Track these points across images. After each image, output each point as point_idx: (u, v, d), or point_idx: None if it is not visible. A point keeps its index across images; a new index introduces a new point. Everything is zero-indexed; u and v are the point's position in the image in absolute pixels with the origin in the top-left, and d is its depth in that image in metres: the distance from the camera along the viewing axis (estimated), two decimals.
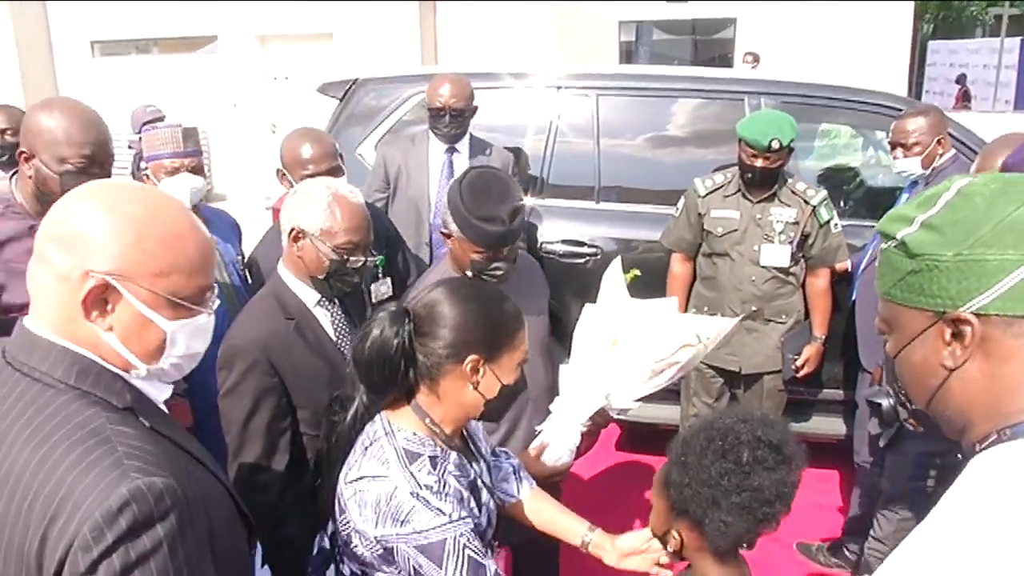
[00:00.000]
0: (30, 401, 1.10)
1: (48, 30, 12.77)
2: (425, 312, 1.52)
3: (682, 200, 3.43)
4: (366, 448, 1.50)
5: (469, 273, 2.21)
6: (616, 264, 2.41)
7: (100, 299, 1.12)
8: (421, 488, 1.44)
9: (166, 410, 1.30)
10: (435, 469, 1.50)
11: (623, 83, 4.05)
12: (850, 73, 5.94)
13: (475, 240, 2.14)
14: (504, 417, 2.07)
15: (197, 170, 2.72)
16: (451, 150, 3.55)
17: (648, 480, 4.07)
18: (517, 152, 3.85)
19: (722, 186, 3.32)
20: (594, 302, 2.40)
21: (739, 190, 3.28)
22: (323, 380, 1.99)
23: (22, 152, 2.19)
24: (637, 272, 2.95)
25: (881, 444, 2.83)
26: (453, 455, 1.58)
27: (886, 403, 2.06)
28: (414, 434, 1.52)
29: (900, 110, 3.71)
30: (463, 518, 1.47)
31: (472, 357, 1.50)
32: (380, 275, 2.67)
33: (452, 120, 3.46)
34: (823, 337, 3.38)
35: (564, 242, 3.75)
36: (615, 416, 2.25)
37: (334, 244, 2.02)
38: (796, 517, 3.67)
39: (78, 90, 12.36)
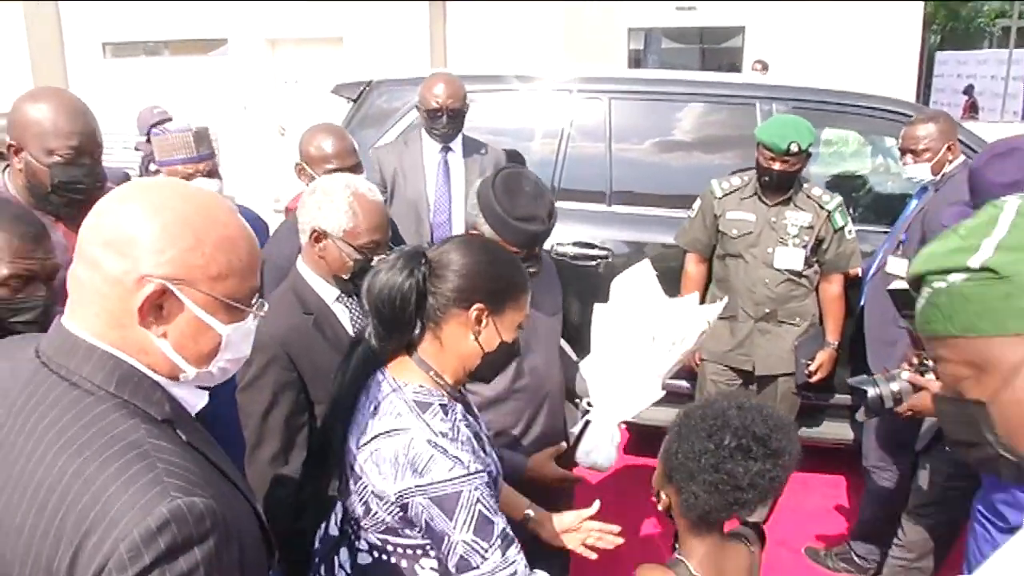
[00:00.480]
0: (67, 407, 1.05)
1: (60, 31, 12.85)
2: (438, 257, 1.57)
3: (698, 201, 3.46)
4: (375, 408, 1.52)
5: None
6: (646, 264, 2.46)
7: (155, 304, 1.08)
8: (437, 436, 1.47)
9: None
10: (447, 416, 1.53)
11: (635, 87, 4.08)
12: (858, 82, 5.96)
13: (513, 240, 2.09)
14: (516, 409, 2.10)
15: (212, 173, 2.72)
16: (445, 149, 3.57)
17: (636, 478, 4.07)
18: (514, 154, 3.85)
19: (739, 188, 3.35)
20: (605, 303, 2.46)
21: (755, 193, 3.30)
22: None
23: (11, 145, 2.17)
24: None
25: (860, 418, 2.80)
26: (459, 405, 1.61)
27: (871, 391, 2.07)
28: (420, 386, 1.55)
29: (909, 116, 3.72)
30: (479, 471, 1.48)
31: (478, 305, 1.54)
32: None
33: (449, 120, 3.47)
34: (837, 342, 3.40)
35: (576, 244, 3.77)
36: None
37: (358, 244, 2.01)
38: (804, 522, 3.74)
39: (89, 91, 12.44)
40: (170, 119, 6.09)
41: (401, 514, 1.48)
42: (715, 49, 13.18)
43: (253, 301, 1.19)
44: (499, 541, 1.48)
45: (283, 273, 2.21)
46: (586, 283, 3.62)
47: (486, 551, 1.47)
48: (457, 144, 3.59)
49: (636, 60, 12.74)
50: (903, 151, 3.24)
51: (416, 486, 1.44)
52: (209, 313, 1.12)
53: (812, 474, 4.07)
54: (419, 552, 1.55)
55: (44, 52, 12.59)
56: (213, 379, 1.20)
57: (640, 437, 4.22)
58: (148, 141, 5.99)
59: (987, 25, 25.78)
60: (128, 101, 9.54)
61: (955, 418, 0.96)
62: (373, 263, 2.06)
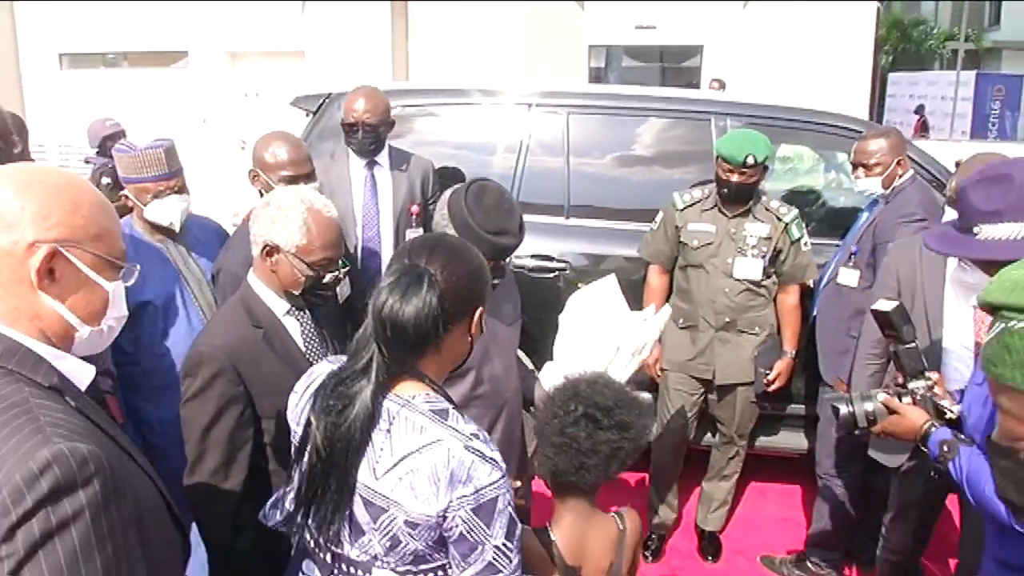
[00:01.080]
0: None
1: (16, 41, 12.63)
2: (438, 271, 1.50)
3: (660, 214, 3.51)
4: (388, 431, 1.42)
5: None
6: (612, 279, 2.54)
7: (48, 269, 1.14)
8: (470, 439, 1.41)
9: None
10: (464, 418, 1.48)
11: (593, 102, 4.13)
12: (813, 101, 6.09)
13: (485, 252, 2.05)
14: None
15: (182, 189, 2.67)
16: (371, 164, 3.51)
17: (622, 487, 4.11)
18: (452, 171, 3.86)
19: (700, 200, 3.41)
20: (564, 314, 2.53)
21: (716, 205, 3.37)
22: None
23: None
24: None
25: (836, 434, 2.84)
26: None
27: (844, 409, 2.11)
28: (427, 395, 1.47)
29: (861, 132, 3.82)
30: (505, 469, 1.43)
31: (480, 309, 1.54)
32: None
33: (365, 135, 3.39)
34: (794, 352, 3.46)
35: (534, 257, 3.80)
36: None
37: (310, 261, 2.01)
38: (760, 531, 3.80)
39: (45, 103, 12.24)
40: (123, 131, 5.97)
41: (436, 536, 1.41)
42: (675, 68, 13.38)
43: (124, 262, 1.27)
44: (518, 542, 1.46)
45: (239, 280, 2.19)
46: (544, 295, 3.65)
47: (512, 553, 1.44)
48: (384, 158, 3.53)
49: (597, 77, 12.87)
50: (855, 165, 3.33)
51: (459, 498, 1.37)
52: (96, 271, 1.20)
53: (768, 484, 4.13)
54: (440, 574, 1.48)
55: None
56: (103, 338, 1.27)
57: None
58: (99, 153, 5.88)
59: (937, 47, 26.48)
60: (85, 113, 9.40)
61: (1014, 477, 0.88)
62: (325, 280, 2.07)
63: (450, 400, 1.52)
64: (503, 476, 1.41)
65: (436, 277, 1.44)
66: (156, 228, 2.68)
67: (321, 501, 1.44)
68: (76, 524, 1.00)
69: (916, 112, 19.17)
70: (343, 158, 3.53)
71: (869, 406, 2.07)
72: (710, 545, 3.69)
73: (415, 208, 3.53)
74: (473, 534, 1.39)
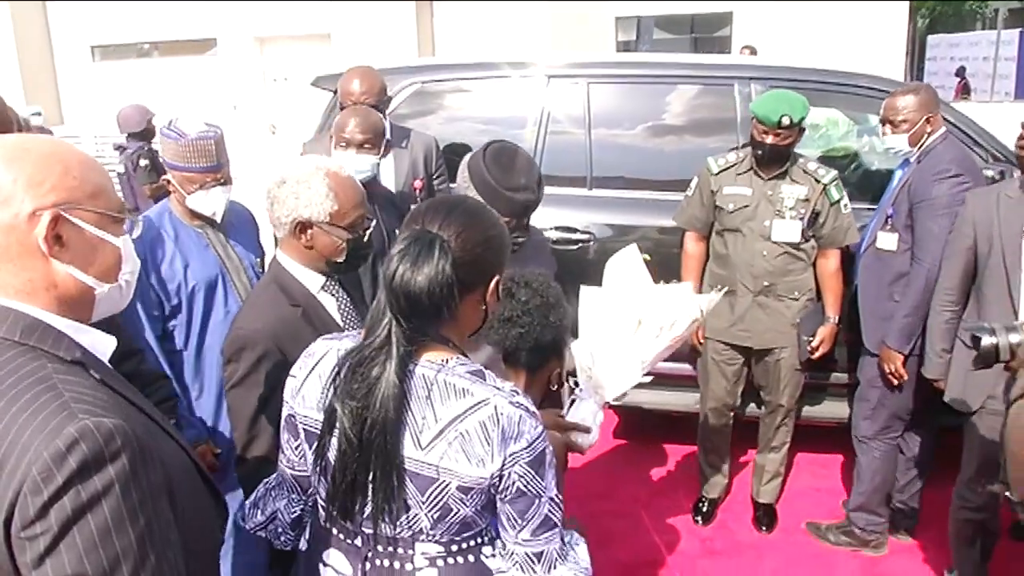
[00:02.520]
0: None
1: (49, 34, 12.83)
2: (451, 235, 1.43)
3: (695, 179, 3.45)
4: (428, 399, 1.37)
5: None
6: (633, 249, 2.48)
7: (55, 234, 1.13)
8: (512, 394, 1.38)
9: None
10: (497, 377, 1.43)
11: (613, 71, 4.07)
12: (846, 67, 5.93)
13: (504, 210, 2.16)
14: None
15: (227, 180, 2.63)
16: None
17: (644, 465, 4.12)
18: (461, 147, 3.81)
19: (734, 164, 3.35)
20: (588, 285, 2.48)
21: (751, 168, 3.30)
22: None
23: None
24: (647, 256, 2.97)
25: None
26: None
27: (987, 340, 1.97)
28: (458, 359, 1.42)
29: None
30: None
31: (497, 277, 1.47)
32: None
33: None
34: (836, 317, 3.38)
35: (557, 228, 3.77)
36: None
37: (346, 224, 1.97)
38: (795, 500, 3.73)
39: (79, 94, 12.43)
40: (153, 117, 6.11)
41: (485, 500, 1.38)
42: (706, 38, 13.16)
43: (130, 216, 1.26)
44: (561, 495, 1.45)
45: None
46: (568, 267, 3.61)
47: (561, 505, 1.43)
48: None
49: (626, 50, 12.71)
50: (883, 121, 3.23)
51: (512, 454, 1.35)
52: (101, 228, 1.19)
53: (803, 453, 4.08)
54: (481, 541, 1.46)
55: (33, 55, 12.57)
56: (121, 294, 1.27)
57: (629, 422, 4.23)
58: (131, 138, 6.02)
59: (978, 7, 25.74)
60: (119, 104, 9.52)
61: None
62: (366, 238, 2.05)
63: None
64: (544, 428, 1.40)
65: (449, 243, 1.38)
66: (196, 215, 2.65)
67: (366, 489, 1.37)
68: (107, 498, 1.01)
69: (957, 74, 18.63)
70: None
71: (1015, 337, 1.93)
72: (765, 516, 3.65)
73: (418, 183, 3.52)
74: (530, 487, 1.37)
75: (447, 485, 1.36)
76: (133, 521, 1.03)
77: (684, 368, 3.78)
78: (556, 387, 2.09)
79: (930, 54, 21.76)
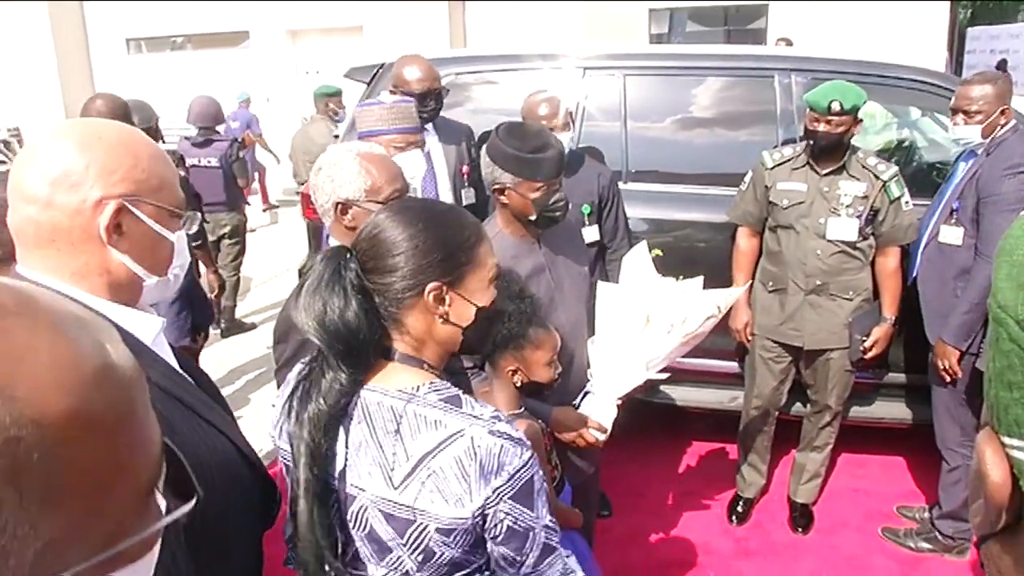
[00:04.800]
0: None
1: (85, 28, 13.00)
2: (368, 244, 1.30)
3: (749, 174, 3.38)
4: (396, 432, 1.25)
5: (532, 217, 2.27)
6: (642, 246, 2.45)
7: (116, 223, 1.16)
8: (491, 421, 1.26)
9: (171, 354, 1.32)
10: (476, 400, 1.33)
11: (650, 63, 4.00)
12: (887, 59, 5.83)
13: (534, 174, 2.19)
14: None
15: (421, 147, 2.78)
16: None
17: (677, 463, 4.07)
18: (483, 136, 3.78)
19: (790, 159, 3.27)
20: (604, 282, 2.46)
21: (807, 163, 3.22)
22: None
23: None
24: (659, 252, 2.92)
25: None
26: None
27: None
28: (430, 384, 1.30)
29: (936, 85, 3.62)
30: (531, 449, 1.30)
31: (431, 286, 1.28)
32: None
33: (436, 101, 3.39)
34: (893, 317, 3.27)
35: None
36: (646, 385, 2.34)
37: (383, 198, 1.98)
38: (833, 501, 3.67)
39: (115, 88, 12.56)
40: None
41: (472, 539, 1.27)
42: (740, 31, 13.00)
43: (184, 211, 1.28)
44: (552, 512, 1.35)
45: None
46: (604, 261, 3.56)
47: (555, 524, 1.33)
48: (429, 125, 3.49)
49: (659, 43, 12.59)
50: (954, 110, 3.12)
51: (496, 491, 1.22)
52: (159, 223, 1.22)
53: (837, 453, 4.00)
54: None
55: (69, 49, 12.74)
56: (169, 286, 1.31)
57: (661, 418, 4.17)
58: (211, 132, 6.08)
59: None
60: (154, 97, 9.62)
61: None
62: None
63: (456, 384, 1.36)
64: (532, 454, 1.28)
65: (360, 252, 1.30)
66: None
67: (309, 521, 1.27)
68: None
69: (998, 67, 18.23)
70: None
71: None
72: (801, 517, 3.58)
73: (466, 169, 3.53)
74: (520, 523, 1.26)
75: (425, 528, 1.24)
76: None
77: (718, 365, 3.72)
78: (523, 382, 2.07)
79: (970, 46, 21.30)
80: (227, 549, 1.27)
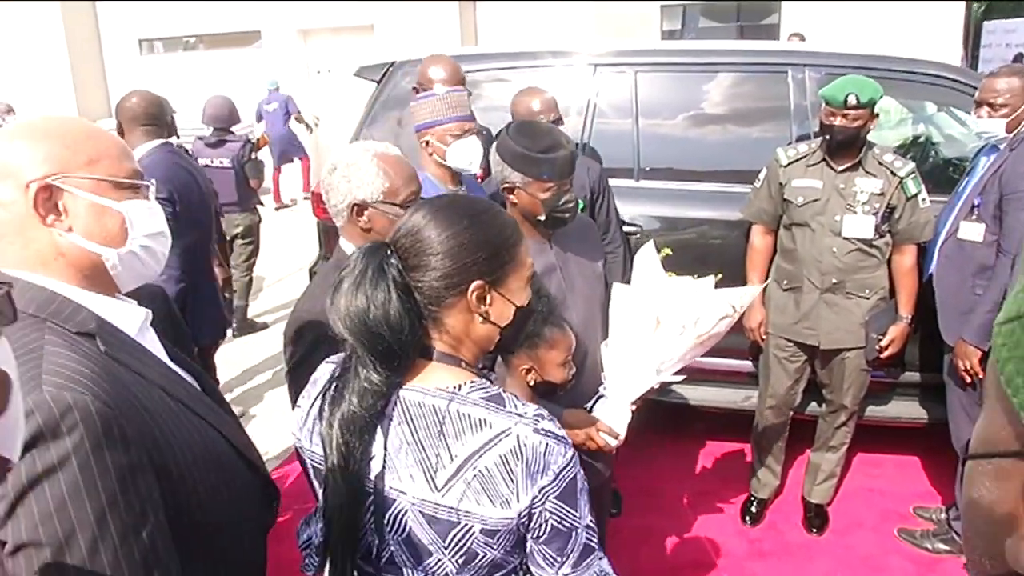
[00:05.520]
0: None
1: (98, 29, 13.06)
2: (410, 241, 1.27)
3: (764, 171, 3.34)
4: (440, 433, 1.23)
5: (542, 217, 2.24)
6: (650, 246, 2.41)
7: (50, 204, 1.17)
8: (535, 420, 1.24)
9: (163, 349, 1.30)
10: (518, 399, 1.29)
11: (661, 59, 3.97)
12: (902, 53, 5.77)
13: (542, 174, 2.17)
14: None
15: (478, 134, 2.80)
16: None
17: (690, 463, 4.04)
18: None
19: (805, 156, 3.22)
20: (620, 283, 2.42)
21: (822, 159, 3.17)
22: None
23: None
24: (669, 251, 2.88)
25: None
26: None
27: None
28: (472, 383, 1.28)
29: (953, 79, 3.58)
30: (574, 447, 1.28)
31: (476, 284, 1.27)
32: None
33: None
34: (909, 316, 3.23)
35: None
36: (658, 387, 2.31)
37: (400, 201, 1.97)
38: (847, 501, 3.64)
39: (128, 88, 12.62)
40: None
41: (515, 539, 1.25)
42: (753, 27, 12.92)
43: (141, 183, 1.28)
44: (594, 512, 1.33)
45: None
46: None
47: (595, 526, 1.30)
48: None
49: (670, 39, 12.53)
50: (979, 103, 3.07)
51: (542, 490, 1.21)
52: (99, 195, 1.21)
53: (861, 453, 3.96)
54: None
55: (82, 50, 12.80)
56: (141, 262, 1.28)
57: (675, 417, 4.14)
58: (221, 129, 6.10)
59: None
60: (166, 96, 9.64)
61: None
62: None
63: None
64: (575, 452, 1.27)
65: (402, 249, 1.27)
66: (447, 176, 2.77)
67: (347, 526, 1.26)
68: (63, 470, 1.01)
69: (1015, 61, 18.09)
70: (411, 126, 3.47)
71: None
72: (816, 517, 3.54)
73: (479, 172, 3.47)
74: (565, 522, 1.24)
75: (470, 529, 1.22)
76: (92, 495, 1.02)
77: (731, 364, 3.69)
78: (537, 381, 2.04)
79: (985, 40, 21.04)
80: (223, 547, 1.26)
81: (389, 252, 1.27)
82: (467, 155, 2.70)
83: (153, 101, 3.67)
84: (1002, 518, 0.55)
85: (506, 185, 2.24)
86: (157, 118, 3.63)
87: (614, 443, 2.22)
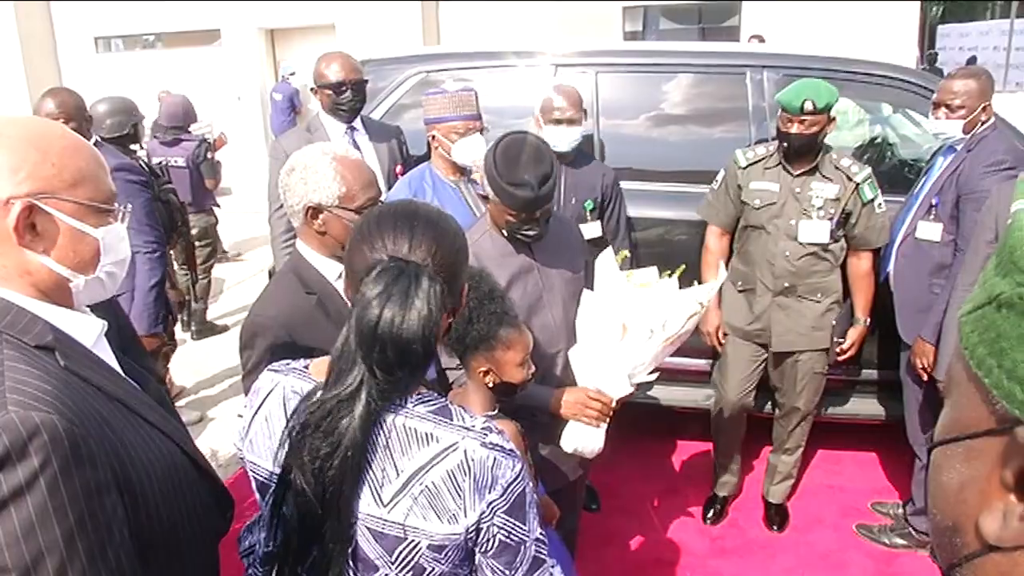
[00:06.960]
0: None
1: (52, 26, 12.78)
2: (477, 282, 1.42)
3: (722, 172, 3.35)
4: (386, 447, 1.20)
5: (504, 233, 2.29)
6: (608, 252, 2.42)
7: (29, 224, 1.10)
8: (484, 434, 1.22)
9: (115, 358, 1.27)
10: (465, 411, 1.28)
11: (622, 59, 3.98)
12: (858, 55, 5.86)
13: (508, 204, 2.19)
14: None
15: (483, 132, 2.95)
16: (351, 130, 3.45)
17: (653, 462, 4.05)
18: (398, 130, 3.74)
19: (763, 158, 3.23)
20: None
21: (780, 163, 3.18)
22: None
23: None
24: (627, 253, 2.87)
25: None
26: None
27: None
28: (418, 395, 1.25)
29: (907, 81, 3.63)
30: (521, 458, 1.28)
31: (466, 285, 1.37)
32: None
33: (355, 93, 3.38)
34: (867, 319, 3.27)
35: None
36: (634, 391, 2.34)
37: (356, 207, 1.94)
38: (808, 498, 3.68)
39: (83, 86, 12.36)
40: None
41: (463, 554, 1.23)
42: (714, 28, 13.03)
43: (115, 204, 1.22)
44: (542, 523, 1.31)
45: None
46: None
47: (545, 537, 1.29)
48: (358, 123, 3.50)
49: (632, 40, 12.59)
50: (936, 104, 3.10)
51: (490, 505, 1.20)
52: (78, 220, 1.15)
53: (811, 450, 4.00)
54: None
55: (36, 47, 12.52)
56: (103, 287, 1.23)
57: (644, 418, 4.15)
58: (181, 132, 6.01)
59: None
60: (122, 95, 9.46)
61: None
62: None
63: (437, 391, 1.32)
64: (523, 465, 1.25)
65: (430, 271, 1.21)
66: (453, 169, 2.96)
67: (315, 554, 1.22)
68: (31, 493, 0.98)
69: (968, 64, 18.48)
70: (320, 130, 3.44)
71: None
72: (777, 515, 3.58)
73: (399, 169, 3.51)
74: (513, 536, 1.23)
75: (416, 545, 1.20)
76: (60, 517, 1.00)
77: (694, 363, 3.71)
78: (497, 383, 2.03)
79: (940, 44, 21.54)
80: (179, 555, 1.24)
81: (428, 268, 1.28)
82: (470, 153, 2.87)
83: (68, 102, 3.51)
84: (973, 496, 0.56)
85: (482, 192, 2.35)
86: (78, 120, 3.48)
87: (593, 449, 2.26)
